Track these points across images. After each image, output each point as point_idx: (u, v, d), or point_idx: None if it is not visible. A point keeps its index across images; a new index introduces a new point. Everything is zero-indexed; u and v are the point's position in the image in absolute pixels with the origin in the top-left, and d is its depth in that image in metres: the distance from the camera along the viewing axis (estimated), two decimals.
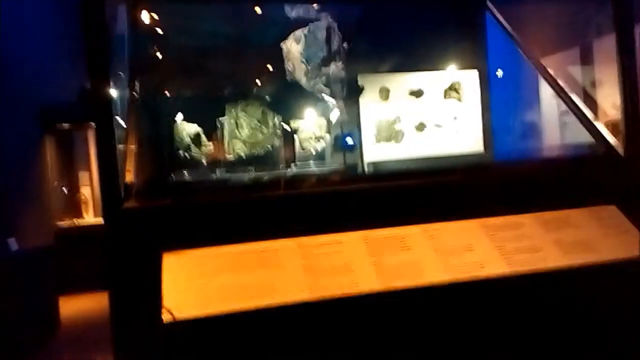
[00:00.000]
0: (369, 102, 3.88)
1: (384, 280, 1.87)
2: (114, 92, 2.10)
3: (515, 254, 2.02)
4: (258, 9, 3.57)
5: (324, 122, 3.73)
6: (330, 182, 2.35)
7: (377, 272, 1.89)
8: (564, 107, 3.58)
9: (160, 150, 3.52)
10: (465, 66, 4.07)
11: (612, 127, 2.73)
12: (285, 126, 3.74)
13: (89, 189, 6.96)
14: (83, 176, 6.99)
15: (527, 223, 2.16)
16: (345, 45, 3.49)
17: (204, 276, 1.82)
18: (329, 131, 3.75)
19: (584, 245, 2.09)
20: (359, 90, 3.85)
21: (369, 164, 3.77)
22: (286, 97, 3.73)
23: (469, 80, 4.06)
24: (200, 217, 2.01)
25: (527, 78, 4.25)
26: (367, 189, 2.23)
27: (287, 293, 1.79)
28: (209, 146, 3.61)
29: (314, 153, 3.70)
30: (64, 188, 6.68)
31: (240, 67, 3.67)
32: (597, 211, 2.25)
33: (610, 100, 2.97)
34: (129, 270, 1.83)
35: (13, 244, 4.44)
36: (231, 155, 3.60)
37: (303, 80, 3.49)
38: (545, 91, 4.21)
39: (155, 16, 3.32)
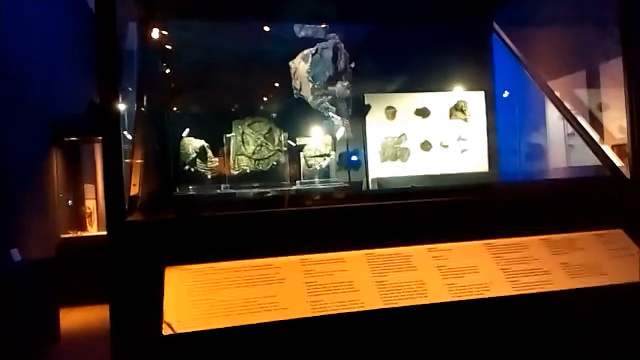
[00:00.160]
0: (375, 121, 3.90)
1: (386, 299, 1.85)
2: (122, 107, 2.11)
3: (521, 276, 2.00)
4: (267, 28, 3.62)
5: (329, 139, 3.74)
6: (335, 200, 2.35)
7: (379, 291, 1.88)
8: (570, 129, 3.59)
9: (166, 165, 3.53)
10: (471, 87, 4.09)
11: (618, 150, 2.73)
12: (291, 143, 3.75)
13: (94, 202, 6.99)
14: (88, 189, 7.02)
15: (532, 245, 2.15)
16: (352, 65, 3.52)
17: (206, 291, 1.81)
18: (334, 149, 3.75)
19: (590, 269, 2.07)
20: (366, 109, 3.87)
21: (373, 180, 3.77)
22: (293, 114, 3.75)
23: (476, 101, 4.07)
24: (203, 232, 2.01)
25: (533, 100, 4.26)
26: (372, 207, 2.23)
27: (289, 310, 1.78)
28: (214, 161, 3.62)
29: (318, 169, 3.70)
30: (69, 201, 6.70)
31: (248, 84, 3.70)
32: (603, 234, 2.24)
33: (616, 123, 2.97)
34: (131, 283, 1.83)
35: (16, 254, 4.45)
36: (236, 171, 3.61)
37: (309, 98, 3.51)
38: (552, 113, 4.21)
39: (165, 32, 3.37)
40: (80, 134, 6.56)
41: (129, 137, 2.50)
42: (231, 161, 3.62)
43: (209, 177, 3.59)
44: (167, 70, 3.59)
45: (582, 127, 2.94)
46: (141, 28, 3.12)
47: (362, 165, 3.90)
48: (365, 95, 3.89)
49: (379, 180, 3.72)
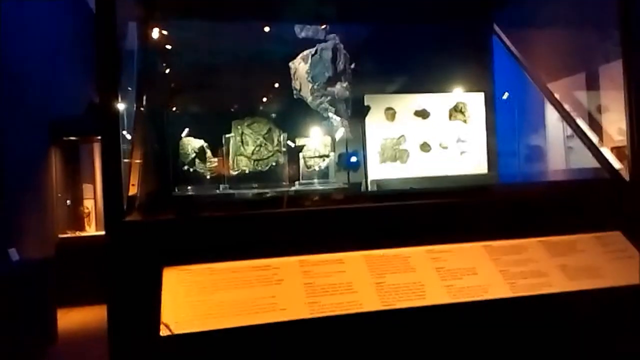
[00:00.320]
0: (374, 122, 3.90)
1: (385, 300, 1.85)
2: (121, 107, 2.11)
3: (519, 278, 2.00)
4: (267, 28, 3.62)
5: (329, 140, 3.74)
6: (334, 201, 2.35)
7: (378, 292, 1.88)
8: (569, 131, 3.59)
9: (165, 165, 3.53)
10: (471, 88, 4.09)
11: (618, 152, 2.73)
12: (291, 144, 3.75)
13: (92, 201, 6.99)
14: (87, 189, 7.02)
15: (531, 247, 2.14)
16: (352, 66, 3.52)
17: (204, 292, 1.81)
18: (333, 150, 3.75)
19: (588, 271, 2.07)
20: (365, 110, 3.87)
21: (372, 181, 3.77)
22: (292, 115, 3.75)
23: (475, 102, 4.07)
24: (202, 232, 2.00)
25: (533, 102, 4.26)
26: (371, 208, 2.23)
27: (288, 311, 1.78)
28: (213, 162, 3.62)
29: (317, 170, 3.70)
30: (68, 201, 6.70)
31: (247, 85, 3.70)
32: (602, 236, 2.24)
33: (615, 126, 2.98)
34: (129, 284, 1.83)
35: (14, 254, 4.44)
36: (235, 172, 3.61)
37: (309, 99, 3.52)
38: (551, 115, 4.22)
39: (165, 32, 3.37)
40: (79, 133, 6.56)
41: (128, 137, 2.50)
42: (230, 161, 3.62)
43: (208, 177, 3.59)
44: (167, 70, 3.58)
45: (582, 129, 2.95)
46: (141, 28, 3.12)
47: (361, 166, 3.90)
48: (365, 96, 3.89)
49: (378, 182, 3.72)
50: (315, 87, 3.46)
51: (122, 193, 1.95)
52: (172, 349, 1.68)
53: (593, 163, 2.78)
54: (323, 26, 3.50)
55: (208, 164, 3.59)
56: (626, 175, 2.48)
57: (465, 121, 4.04)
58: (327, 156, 3.71)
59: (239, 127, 3.68)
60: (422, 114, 4.00)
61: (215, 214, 2.13)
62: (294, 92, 3.54)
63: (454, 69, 4.01)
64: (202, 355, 1.70)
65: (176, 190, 3.44)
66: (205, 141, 3.62)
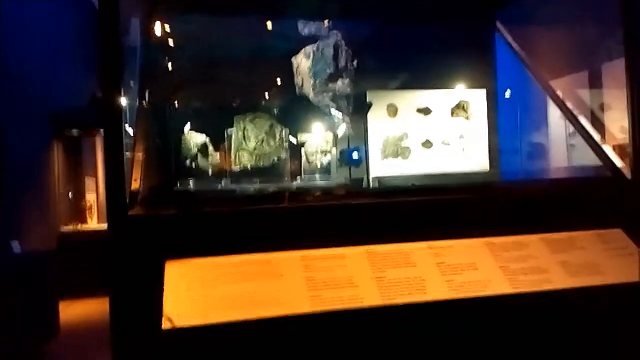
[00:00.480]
0: (376, 118, 3.90)
1: (386, 295, 1.86)
2: (124, 101, 2.12)
3: (520, 274, 2.01)
4: (270, 24, 3.62)
5: (331, 136, 3.75)
6: (336, 197, 2.36)
7: (379, 287, 1.89)
8: (571, 129, 3.59)
9: (168, 160, 3.54)
10: (473, 86, 4.09)
11: (620, 150, 2.74)
12: (293, 139, 3.75)
13: (94, 195, 7.00)
14: (89, 182, 7.04)
15: (532, 244, 2.15)
16: (355, 62, 3.52)
17: (206, 285, 1.82)
18: (335, 146, 3.76)
19: (589, 268, 2.08)
20: (367, 107, 3.87)
21: (374, 179, 3.78)
22: (294, 111, 3.76)
23: (477, 99, 4.08)
24: (204, 226, 2.01)
25: (535, 99, 4.26)
26: (373, 204, 2.23)
27: (289, 305, 1.79)
28: (216, 157, 3.63)
29: (319, 166, 3.71)
30: (70, 194, 6.71)
31: (250, 80, 3.71)
32: (603, 234, 2.24)
33: (618, 124, 2.98)
34: (131, 277, 1.84)
35: (16, 247, 4.46)
36: (238, 167, 3.62)
37: (311, 95, 3.52)
38: (553, 113, 4.22)
39: (168, 27, 3.37)
40: (82, 127, 6.57)
41: (131, 131, 2.50)
42: (232, 157, 3.63)
43: (210, 172, 3.60)
44: (170, 65, 3.59)
45: (584, 127, 2.94)
46: (144, 22, 3.12)
47: (363, 162, 3.91)
48: (368, 92, 3.89)
49: (379, 179, 3.73)
50: (317, 83, 3.47)
51: (125, 187, 1.96)
52: (174, 342, 1.69)
53: (595, 161, 2.78)
54: (326, 22, 3.51)
55: (210, 159, 3.60)
56: (628, 174, 2.49)
57: (467, 118, 4.04)
58: (329, 152, 3.72)
59: (241, 122, 3.69)
60: (425, 111, 4.01)
61: (217, 209, 2.14)
62: (297, 88, 3.54)
63: (456, 66, 4.01)
64: (204, 348, 1.72)
65: (178, 185, 3.45)
66: (208, 136, 3.63)
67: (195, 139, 3.59)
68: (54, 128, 6.23)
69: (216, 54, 3.59)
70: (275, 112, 3.78)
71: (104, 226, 6.52)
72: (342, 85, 3.48)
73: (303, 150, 3.74)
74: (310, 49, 3.52)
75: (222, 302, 1.77)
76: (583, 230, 2.24)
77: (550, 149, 4.45)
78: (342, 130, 3.62)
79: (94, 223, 6.84)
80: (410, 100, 3.98)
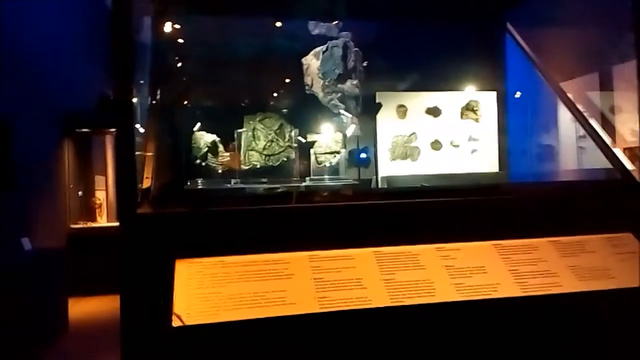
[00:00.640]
0: (385, 119, 3.91)
1: (394, 297, 1.86)
2: (135, 100, 2.13)
3: (529, 277, 2.00)
4: (280, 24, 3.64)
5: (340, 137, 3.75)
6: (344, 197, 2.36)
7: (387, 289, 1.89)
8: (581, 131, 3.57)
9: (178, 158, 3.56)
10: (483, 87, 4.08)
11: (630, 153, 2.72)
12: (302, 139, 3.76)
13: (104, 193, 7.04)
14: (99, 180, 7.08)
15: (541, 247, 2.14)
16: (364, 63, 3.53)
17: (215, 284, 1.83)
18: (344, 146, 3.77)
19: (598, 272, 2.07)
20: (377, 108, 3.88)
21: (383, 178, 3.78)
22: (304, 111, 3.77)
23: (487, 101, 4.07)
24: (213, 226, 2.02)
25: (545, 101, 4.24)
26: (381, 205, 2.24)
27: (297, 305, 1.80)
28: (225, 156, 3.64)
29: (328, 166, 3.72)
30: (79, 192, 6.76)
31: (260, 80, 3.72)
32: (612, 238, 2.23)
33: (628, 126, 2.96)
34: (142, 275, 1.85)
35: (27, 243, 4.50)
36: (247, 166, 3.63)
37: (320, 95, 3.53)
38: (563, 115, 4.20)
39: (179, 27, 3.39)
40: (92, 126, 6.61)
41: (142, 130, 2.52)
42: (242, 156, 3.65)
43: (220, 171, 3.62)
44: (180, 65, 3.61)
45: (594, 130, 2.93)
46: (155, 22, 3.15)
47: (371, 163, 3.91)
48: (377, 93, 3.90)
49: (388, 179, 3.73)
50: (326, 83, 3.48)
51: (136, 186, 1.97)
52: (183, 340, 1.70)
53: (605, 164, 2.77)
54: (335, 23, 3.51)
55: (220, 158, 3.62)
56: (638, 177, 2.47)
57: (476, 120, 4.03)
58: (338, 152, 3.73)
59: (250, 122, 3.70)
60: (434, 112, 4.00)
61: (226, 208, 2.15)
62: (306, 87, 3.55)
63: (466, 67, 4.00)
64: (213, 346, 1.73)
65: (188, 183, 3.47)
66: (218, 136, 3.64)
67: (205, 138, 3.61)
68: (65, 127, 6.27)
69: (226, 54, 3.61)
70: (285, 112, 3.80)
71: (113, 224, 6.58)
72: (350, 85, 3.48)
73: (312, 150, 3.75)
74: (319, 49, 3.53)
75: (231, 300, 1.78)
76: (592, 233, 2.23)
77: (560, 151, 4.43)
78: (351, 130, 3.63)
79: (103, 221, 6.87)
80: (420, 101, 3.98)
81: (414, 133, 3.92)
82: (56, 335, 4.60)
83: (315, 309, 1.80)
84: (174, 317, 1.72)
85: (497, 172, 4.00)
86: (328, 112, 3.57)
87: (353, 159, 3.90)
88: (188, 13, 3.51)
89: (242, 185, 3.49)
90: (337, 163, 3.73)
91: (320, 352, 1.81)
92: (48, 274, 4.62)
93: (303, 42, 3.52)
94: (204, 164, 3.57)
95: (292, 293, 1.84)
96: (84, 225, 6.58)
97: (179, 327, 1.70)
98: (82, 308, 5.35)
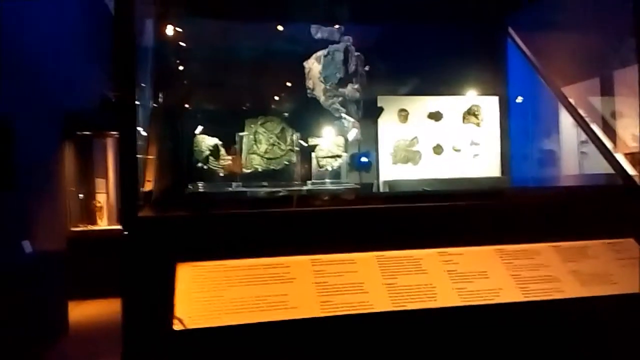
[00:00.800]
0: (387, 123, 3.91)
1: (396, 301, 1.86)
2: (137, 103, 2.13)
3: (531, 282, 2.00)
4: (282, 28, 3.64)
5: (341, 140, 3.75)
6: (346, 201, 2.36)
7: (389, 293, 1.88)
8: (583, 136, 3.57)
9: (179, 162, 3.56)
10: (485, 92, 4.08)
11: (632, 158, 2.72)
12: (303, 143, 3.76)
13: (104, 196, 7.05)
14: (99, 183, 7.08)
15: (543, 252, 2.14)
16: (366, 67, 3.53)
17: (217, 288, 1.83)
18: (346, 150, 3.77)
19: (600, 277, 2.06)
20: (378, 112, 3.88)
21: (384, 182, 3.78)
22: (305, 115, 3.77)
23: (489, 105, 4.07)
24: (215, 229, 2.02)
25: (546, 106, 4.24)
26: (383, 209, 2.23)
27: (299, 309, 1.79)
28: (227, 159, 3.65)
29: (329, 170, 3.72)
30: (80, 195, 6.76)
31: (261, 84, 3.73)
32: (614, 243, 2.23)
33: (630, 131, 2.96)
34: (143, 278, 1.85)
35: (27, 246, 4.50)
36: (248, 170, 3.63)
37: (321, 99, 3.54)
38: (565, 120, 4.20)
39: (181, 30, 3.40)
40: (93, 128, 6.61)
41: (144, 133, 2.52)
42: (243, 160, 3.65)
43: (222, 175, 3.62)
44: (182, 68, 3.61)
45: (596, 135, 2.93)
46: (158, 25, 3.15)
47: (373, 167, 3.91)
48: (378, 97, 3.90)
49: (390, 183, 3.73)
50: (327, 87, 3.49)
51: (138, 189, 1.97)
52: (184, 343, 1.70)
53: (606, 169, 2.77)
54: (337, 27, 3.52)
55: (221, 161, 3.62)
56: None
57: (478, 124, 4.03)
58: (340, 156, 3.73)
59: (252, 125, 3.71)
60: (435, 116, 4.00)
61: (228, 212, 2.15)
62: (307, 91, 3.56)
63: (467, 72, 4.01)
64: (214, 350, 1.72)
65: (190, 187, 3.47)
66: (219, 139, 3.65)
67: (207, 141, 3.61)
68: (66, 129, 6.28)
69: (228, 57, 3.61)
70: (286, 115, 3.80)
71: (114, 227, 6.57)
72: (351, 89, 3.49)
73: (313, 154, 3.75)
74: (321, 53, 3.54)
75: (232, 304, 1.78)
76: (594, 239, 2.22)
77: (562, 156, 4.43)
78: (353, 134, 3.63)
79: (104, 224, 6.88)
80: (421, 105, 3.99)
81: (415, 137, 3.92)
82: (56, 337, 4.59)
83: (317, 313, 1.79)
84: (175, 321, 1.71)
85: (499, 177, 4.00)
86: (329, 115, 3.57)
87: (354, 163, 3.90)
88: (190, 16, 3.52)
89: (243, 189, 3.49)
90: (339, 167, 3.73)
91: (322, 356, 1.80)
92: (48, 276, 4.61)
93: (305, 46, 3.53)
94: (205, 167, 3.57)
95: (294, 297, 1.83)
96: (85, 228, 6.58)
97: (180, 331, 1.70)
98: (83, 311, 5.34)
